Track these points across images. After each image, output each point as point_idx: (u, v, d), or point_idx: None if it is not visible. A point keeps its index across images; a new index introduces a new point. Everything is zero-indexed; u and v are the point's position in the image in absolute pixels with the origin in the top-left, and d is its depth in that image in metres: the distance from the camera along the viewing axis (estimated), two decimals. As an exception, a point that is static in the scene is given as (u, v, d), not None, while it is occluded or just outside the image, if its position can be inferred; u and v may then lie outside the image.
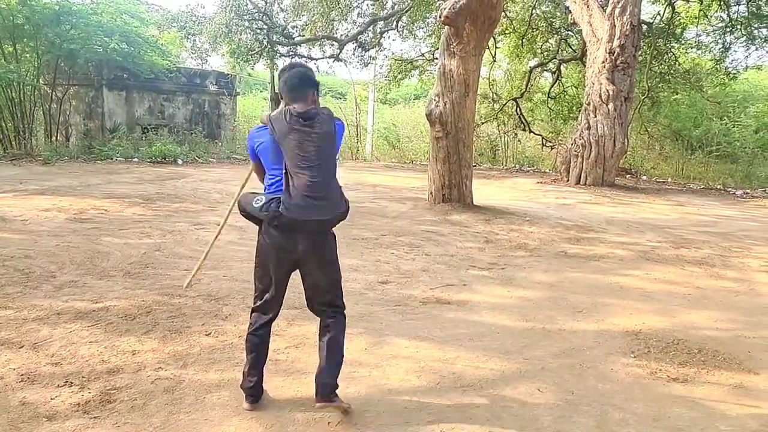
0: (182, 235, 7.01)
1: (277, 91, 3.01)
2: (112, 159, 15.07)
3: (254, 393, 3.11)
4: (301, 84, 2.96)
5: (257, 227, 3.06)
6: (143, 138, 16.73)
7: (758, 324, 4.75)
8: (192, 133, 18.10)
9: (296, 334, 4.13)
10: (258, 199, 2.91)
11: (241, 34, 17.99)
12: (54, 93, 15.91)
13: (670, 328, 4.56)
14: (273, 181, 2.95)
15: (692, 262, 6.77)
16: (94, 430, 2.84)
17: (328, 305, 3.05)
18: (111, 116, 16.75)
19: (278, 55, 19.36)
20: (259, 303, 3.10)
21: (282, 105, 2.98)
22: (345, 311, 3.14)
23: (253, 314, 3.13)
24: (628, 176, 16.45)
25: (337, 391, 2.98)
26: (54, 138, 15.92)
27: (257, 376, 3.10)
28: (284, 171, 2.81)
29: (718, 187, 15.23)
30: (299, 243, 2.88)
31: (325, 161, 2.84)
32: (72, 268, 5.45)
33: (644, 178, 16.77)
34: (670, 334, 4.39)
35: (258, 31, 18.40)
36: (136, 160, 15.17)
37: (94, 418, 2.94)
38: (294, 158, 2.78)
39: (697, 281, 5.99)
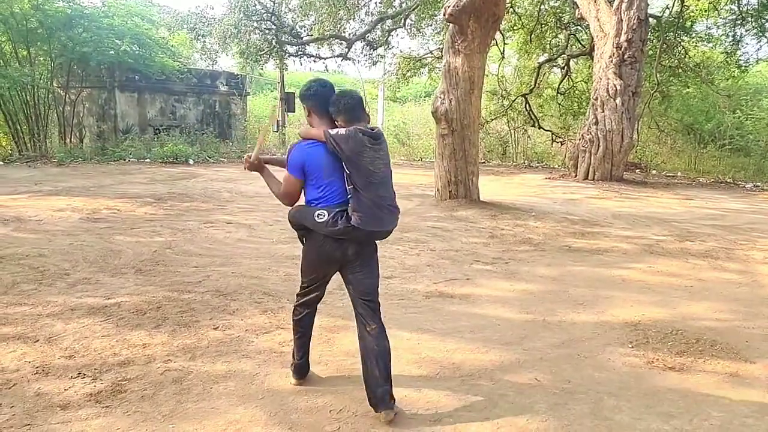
0: (192, 234, 7.16)
1: (330, 110, 3.15)
2: (124, 160, 15.31)
3: (302, 370, 3.44)
4: (360, 105, 3.17)
5: (301, 233, 3.22)
6: (155, 139, 16.98)
7: (758, 315, 4.80)
8: (203, 134, 18.34)
9: (301, 328, 4.24)
10: (320, 214, 3.04)
11: (250, 35, 18.17)
12: (67, 95, 16.18)
13: (669, 319, 4.63)
14: (321, 194, 3.08)
15: (696, 255, 6.80)
16: (105, 418, 2.97)
17: (370, 299, 3.19)
18: (123, 118, 17.00)
19: (287, 54, 19.53)
20: (304, 300, 3.33)
21: (314, 119, 3.18)
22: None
23: (298, 309, 3.36)
24: (637, 171, 16.43)
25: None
26: (68, 140, 16.20)
27: (305, 356, 3.43)
28: (350, 186, 3.02)
29: (728, 180, 15.16)
30: (349, 249, 3.11)
31: (390, 177, 3.18)
32: (85, 266, 5.61)
33: (654, 172, 16.73)
34: (669, 325, 4.46)
35: (267, 31, 18.56)
36: (148, 160, 15.39)
37: (106, 407, 3.07)
38: (367, 175, 3.02)
39: (699, 273, 6.04)
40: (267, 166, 3.36)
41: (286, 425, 2.95)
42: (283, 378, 3.45)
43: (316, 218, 3.05)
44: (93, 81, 16.70)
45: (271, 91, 27.93)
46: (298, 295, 3.37)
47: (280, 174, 3.20)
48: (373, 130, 3.10)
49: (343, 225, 3.00)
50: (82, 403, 3.10)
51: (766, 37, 17.06)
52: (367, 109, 3.27)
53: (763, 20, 16.62)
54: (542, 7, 18.06)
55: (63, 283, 5.10)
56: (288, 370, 3.52)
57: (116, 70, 16.49)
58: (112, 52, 15.48)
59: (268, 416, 3.03)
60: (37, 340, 3.87)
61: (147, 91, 17.50)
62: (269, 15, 18.51)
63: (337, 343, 3.99)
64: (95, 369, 3.48)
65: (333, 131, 3.05)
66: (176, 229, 7.37)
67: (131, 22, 16.28)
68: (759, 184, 14.53)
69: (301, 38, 19.53)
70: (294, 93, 21.86)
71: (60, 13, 14.69)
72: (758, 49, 25.21)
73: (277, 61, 19.53)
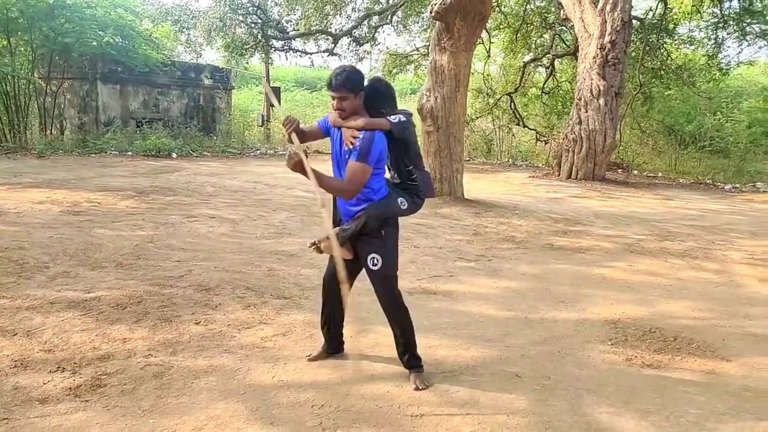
0: (175, 228, 7.11)
1: (375, 102, 3.27)
2: (106, 152, 15.13)
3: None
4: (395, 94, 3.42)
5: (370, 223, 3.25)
6: (138, 131, 16.80)
7: (734, 314, 4.89)
8: (187, 127, 18.17)
9: (284, 323, 4.24)
10: (402, 201, 3.30)
11: (235, 28, 18.04)
12: (48, 87, 15.95)
13: (648, 317, 4.69)
14: (381, 183, 3.26)
15: (675, 255, 6.90)
16: (84, 412, 2.95)
17: None
18: (105, 110, 16.80)
19: (273, 49, 19.41)
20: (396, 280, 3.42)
21: (360, 109, 3.23)
22: None
23: (397, 287, 3.41)
24: (619, 171, 16.58)
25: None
26: (48, 131, 15.97)
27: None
28: (408, 168, 3.32)
29: (708, 181, 15.37)
30: None
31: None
32: (65, 259, 5.55)
33: (635, 172, 16.90)
34: (648, 323, 4.52)
35: (252, 25, 18.43)
36: (130, 153, 15.24)
37: (85, 401, 3.05)
38: (417, 154, 3.40)
39: (678, 273, 6.13)
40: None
41: (267, 420, 2.94)
42: (265, 373, 3.45)
43: (401, 206, 3.28)
44: (75, 72, 16.47)
45: (256, 86, 27.76)
46: (396, 288, 3.37)
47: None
48: (408, 112, 3.33)
49: (420, 202, 3.37)
50: (61, 397, 3.08)
51: (747, 40, 17.32)
52: None
53: (744, 24, 16.85)
54: (528, 6, 18.14)
55: (42, 276, 5.04)
56: (271, 365, 3.52)
57: (99, 61, 16.28)
58: (95, 44, 15.27)
59: (250, 411, 3.03)
60: (16, 334, 3.82)
61: (130, 84, 17.30)
62: (255, 9, 18.38)
63: (320, 338, 3.98)
64: (74, 363, 3.45)
65: (395, 119, 3.19)
66: (158, 223, 7.31)
67: (114, 13, 16.08)
68: (737, 185, 14.74)
69: (287, 33, 19.43)
70: (279, 88, 21.76)
71: (42, 3, 14.45)
72: (739, 52, 25.65)
73: (263, 55, 19.42)
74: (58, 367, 3.39)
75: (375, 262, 3.24)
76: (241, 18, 18.18)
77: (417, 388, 3.30)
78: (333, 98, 3.15)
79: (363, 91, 3.16)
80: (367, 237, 3.24)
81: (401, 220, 3.44)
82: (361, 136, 3.10)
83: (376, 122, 3.14)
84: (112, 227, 6.97)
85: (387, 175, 3.37)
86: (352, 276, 3.45)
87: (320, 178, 3.06)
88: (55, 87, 16.09)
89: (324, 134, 3.38)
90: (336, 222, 3.41)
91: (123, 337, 3.85)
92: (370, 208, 3.20)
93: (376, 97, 3.23)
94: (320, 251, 3.31)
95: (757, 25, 16.92)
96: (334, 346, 3.69)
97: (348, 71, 3.14)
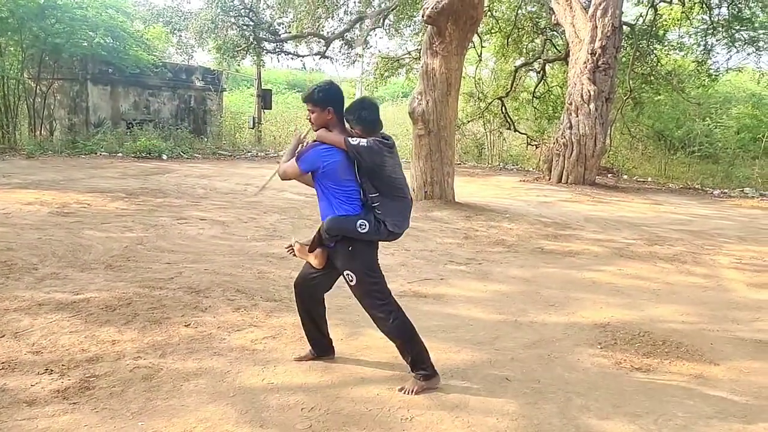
0: (165, 230, 7.07)
1: (347, 118, 3.33)
2: (96, 153, 15.06)
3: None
4: (378, 117, 3.36)
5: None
6: (128, 133, 16.73)
7: (723, 318, 4.92)
8: (177, 129, 18.11)
9: (274, 325, 4.24)
10: (362, 224, 3.22)
11: (227, 30, 18.02)
12: (38, 87, 15.86)
13: (637, 321, 4.72)
14: (350, 195, 3.27)
15: (664, 259, 6.94)
16: (73, 414, 2.93)
17: None
18: (95, 111, 16.72)
19: (264, 51, 19.40)
20: (390, 299, 3.41)
21: (333, 122, 3.29)
22: None
23: (395, 312, 3.38)
24: (609, 175, 16.67)
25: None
26: (38, 132, 15.88)
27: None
28: (375, 194, 3.23)
29: (697, 186, 15.49)
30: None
31: (405, 179, 3.43)
32: (54, 261, 5.51)
33: (625, 177, 17.01)
34: (637, 327, 4.54)
35: (244, 27, 18.43)
36: (120, 154, 15.16)
37: (74, 403, 3.03)
38: (393, 183, 3.28)
39: (667, 277, 6.17)
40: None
41: (257, 423, 2.94)
42: (255, 376, 3.44)
43: (359, 228, 3.22)
44: (65, 73, 16.40)
45: (248, 88, 27.70)
46: (383, 305, 3.35)
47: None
48: (387, 139, 3.30)
49: (386, 231, 3.26)
50: (49, 399, 3.05)
51: (736, 47, 17.46)
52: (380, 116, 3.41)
53: (733, 30, 16.99)
54: (519, 11, 18.23)
55: (31, 277, 5.00)
56: (261, 367, 3.51)
57: (89, 62, 16.21)
58: (86, 44, 15.20)
59: (239, 414, 3.02)
60: (3, 335, 3.79)
61: (120, 85, 17.23)
62: (247, 11, 18.38)
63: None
64: (63, 365, 3.43)
65: (354, 141, 3.19)
66: (148, 224, 7.28)
67: (105, 14, 16.03)
68: (726, 190, 14.86)
69: (279, 35, 19.43)
70: (271, 90, 21.74)
71: (32, 3, 14.37)
72: (728, 58, 25.86)
73: (255, 57, 19.40)
74: (46, 369, 3.36)
75: (350, 278, 3.32)
76: (232, 20, 18.18)
77: (401, 390, 3.32)
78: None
79: (331, 107, 3.26)
80: (338, 252, 3.33)
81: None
82: (311, 142, 3.30)
83: (331, 138, 3.23)
84: (101, 229, 6.93)
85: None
86: (323, 284, 3.55)
87: (289, 152, 3.37)
88: (45, 87, 16.00)
89: None
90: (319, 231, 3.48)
91: (112, 339, 3.83)
92: (326, 221, 3.29)
93: (351, 116, 3.31)
94: (294, 254, 3.49)
95: (746, 32, 17.08)
96: (320, 349, 3.68)
97: (319, 87, 3.30)
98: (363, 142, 3.19)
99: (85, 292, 4.68)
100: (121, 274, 5.26)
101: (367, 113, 3.30)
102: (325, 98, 3.26)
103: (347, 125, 3.31)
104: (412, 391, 3.30)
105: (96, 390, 3.17)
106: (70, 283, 4.90)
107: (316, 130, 3.30)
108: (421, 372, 3.36)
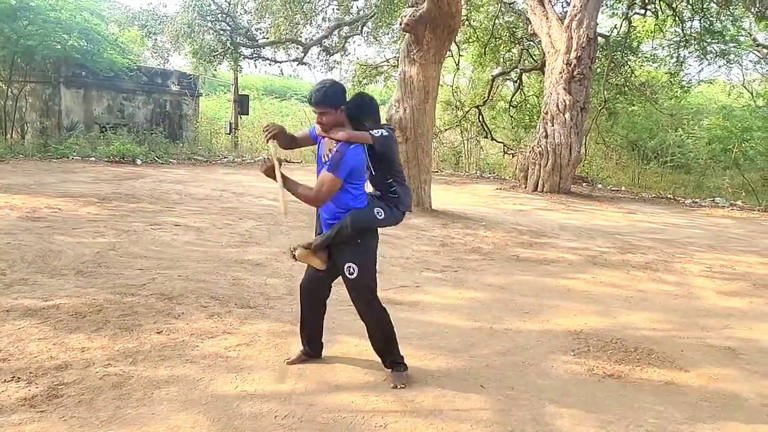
0: (138, 235, 6.97)
1: (358, 115, 3.40)
2: (68, 158, 14.79)
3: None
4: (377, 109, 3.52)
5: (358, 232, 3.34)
6: (101, 137, 16.46)
7: (693, 325, 5.00)
8: (152, 133, 17.89)
9: (248, 332, 4.19)
10: (378, 212, 3.36)
11: (203, 35, 17.89)
12: (9, 90, 15.57)
13: (610, 328, 4.77)
14: (359, 193, 3.34)
15: (637, 267, 7.04)
16: (40, 423, 2.86)
17: None
18: (68, 114, 16.46)
19: (242, 56, 19.30)
20: (376, 295, 3.52)
21: (344, 121, 3.32)
22: None
23: (382, 309, 3.53)
24: (584, 184, 16.88)
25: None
26: (9, 135, 15.57)
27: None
28: (388, 181, 3.42)
29: (669, 196, 15.76)
30: None
31: None
32: (23, 266, 5.40)
33: (599, 186, 17.24)
34: (609, 334, 4.60)
35: (221, 32, 18.30)
36: (93, 159, 14.93)
37: (41, 412, 2.96)
38: (399, 168, 3.50)
39: (639, 285, 6.25)
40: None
41: (229, 431, 2.90)
42: (228, 383, 3.40)
43: (378, 216, 3.33)
44: (37, 75, 16.12)
45: (225, 93, 27.49)
46: (374, 298, 3.47)
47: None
48: (390, 126, 3.46)
49: (400, 213, 3.46)
50: (16, 407, 2.98)
51: (707, 59, 17.88)
52: None
53: (704, 43, 17.39)
54: (497, 21, 18.43)
55: (-2, 283, 4.89)
56: (234, 375, 3.47)
57: (62, 65, 15.96)
58: (59, 47, 14.97)
59: (211, 422, 2.98)
60: (-32, 343, 3.70)
61: (94, 88, 17.00)
62: (224, 16, 18.27)
63: (284, 348, 3.95)
64: (30, 372, 3.35)
65: (377, 133, 3.26)
66: (121, 230, 7.17)
67: (80, 16, 15.79)
68: (697, 200, 15.15)
69: (257, 41, 19.35)
70: (248, 96, 21.61)
71: (4, 4, 14.11)
72: (700, 70, 26.58)
73: (231, 62, 19.28)
74: (13, 377, 3.28)
75: (351, 270, 3.32)
76: (209, 24, 18.05)
77: (395, 387, 3.43)
78: (314, 113, 3.27)
79: (343, 106, 3.26)
80: (345, 245, 3.32)
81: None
82: (335, 149, 3.21)
83: (358, 135, 3.25)
84: (72, 234, 6.80)
85: (369, 188, 3.48)
86: (327, 282, 3.60)
87: (290, 185, 3.22)
88: (16, 90, 15.72)
89: (313, 141, 3.51)
90: (318, 233, 3.49)
91: (81, 347, 3.76)
92: (348, 216, 3.29)
93: (359, 111, 3.35)
94: (295, 258, 3.40)
95: (717, 44, 17.51)
96: (314, 348, 3.75)
97: (327, 87, 3.24)
98: (383, 132, 3.30)
99: (54, 299, 4.59)
100: (92, 280, 5.17)
101: (374, 104, 3.47)
102: (337, 98, 3.24)
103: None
104: (404, 382, 3.45)
105: (64, 398, 3.11)
106: (39, 289, 4.80)
107: (326, 131, 3.27)
108: (400, 364, 3.54)
